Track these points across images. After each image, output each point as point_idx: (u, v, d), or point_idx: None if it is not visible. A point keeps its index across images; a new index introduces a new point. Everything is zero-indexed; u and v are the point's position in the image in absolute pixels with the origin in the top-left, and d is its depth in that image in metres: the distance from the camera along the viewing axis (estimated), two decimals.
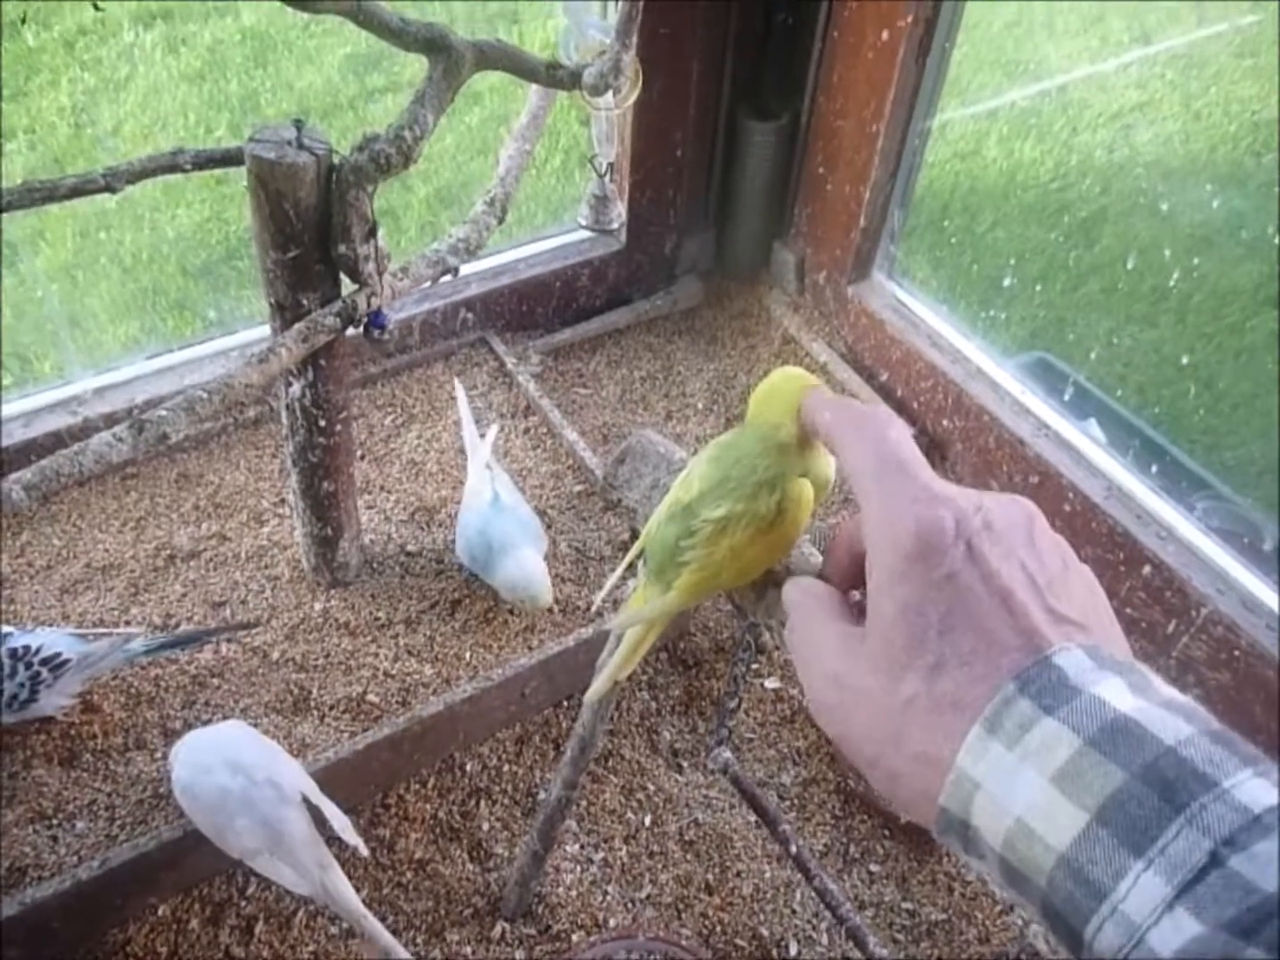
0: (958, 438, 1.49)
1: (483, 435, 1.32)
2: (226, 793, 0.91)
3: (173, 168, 0.88)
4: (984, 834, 0.32)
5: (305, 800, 0.93)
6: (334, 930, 1.07)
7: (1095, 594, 0.37)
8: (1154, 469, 1.34)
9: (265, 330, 1.43)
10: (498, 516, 1.20)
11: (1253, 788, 0.28)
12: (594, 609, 1.27)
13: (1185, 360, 1.91)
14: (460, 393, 1.34)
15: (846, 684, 0.36)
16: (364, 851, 0.96)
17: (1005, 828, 0.31)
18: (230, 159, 0.91)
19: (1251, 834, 0.27)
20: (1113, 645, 0.34)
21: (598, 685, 0.61)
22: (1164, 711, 0.30)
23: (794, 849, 0.95)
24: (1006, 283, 1.98)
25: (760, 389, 0.49)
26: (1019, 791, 0.30)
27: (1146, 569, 1.26)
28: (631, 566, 0.58)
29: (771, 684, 1.30)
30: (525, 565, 1.18)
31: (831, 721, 0.37)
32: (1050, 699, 0.31)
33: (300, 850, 0.91)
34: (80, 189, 0.83)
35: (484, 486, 1.23)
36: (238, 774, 0.91)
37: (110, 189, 0.84)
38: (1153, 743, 0.29)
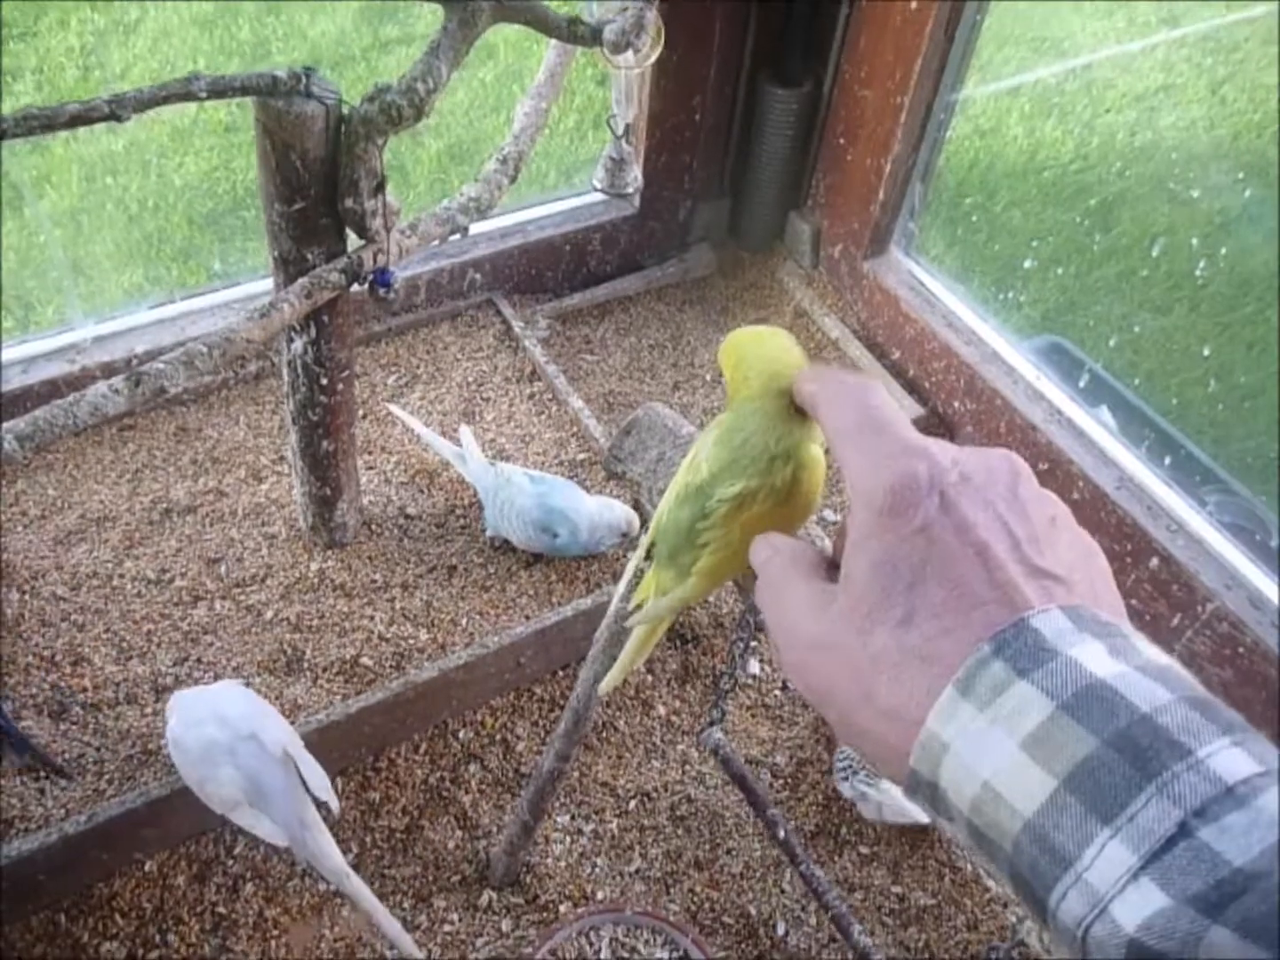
0: (969, 420, 1.47)
1: (456, 441, 1.32)
2: (212, 743, 0.92)
3: (186, 96, 0.80)
4: (951, 797, 0.31)
5: (289, 757, 0.93)
6: (322, 888, 1.07)
7: (1090, 554, 0.35)
8: (1166, 461, 1.32)
9: (270, 283, 1.41)
10: (549, 490, 1.23)
11: (1228, 757, 0.27)
12: (612, 612, 1.26)
13: (1200, 350, 1.88)
14: (403, 414, 1.35)
15: (817, 642, 0.35)
16: (335, 809, 0.95)
17: (973, 792, 0.30)
18: (249, 88, 0.85)
19: (1223, 805, 0.26)
20: (1100, 606, 0.32)
21: (611, 677, 0.60)
22: (1142, 676, 0.29)
23: (782, 834, 0.94)
24: (1025, 264, 1.94)
25: (731, 350, 0.49)
26: (988, 755, 0.29)
27: (1154, 561, 1.24)
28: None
29: (756, 668, 1.29)
30: (603, 508, 1.24)
31: (803, 679, 0.37)
32: (1026, 662, 0.30)
33: (281, 803, 0.91)
34: (83, 117, 0.76)
35: (505, 475, 1.25)
36: (225, 727, 0.92)
37: (116, 117, 0.76)
38: (1127, 709, 0.28)
